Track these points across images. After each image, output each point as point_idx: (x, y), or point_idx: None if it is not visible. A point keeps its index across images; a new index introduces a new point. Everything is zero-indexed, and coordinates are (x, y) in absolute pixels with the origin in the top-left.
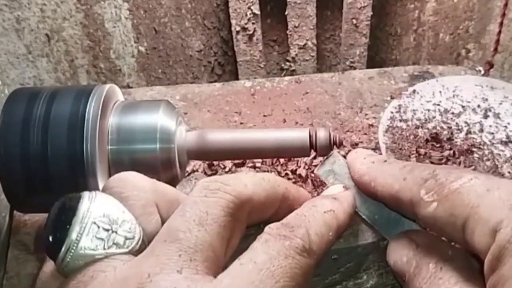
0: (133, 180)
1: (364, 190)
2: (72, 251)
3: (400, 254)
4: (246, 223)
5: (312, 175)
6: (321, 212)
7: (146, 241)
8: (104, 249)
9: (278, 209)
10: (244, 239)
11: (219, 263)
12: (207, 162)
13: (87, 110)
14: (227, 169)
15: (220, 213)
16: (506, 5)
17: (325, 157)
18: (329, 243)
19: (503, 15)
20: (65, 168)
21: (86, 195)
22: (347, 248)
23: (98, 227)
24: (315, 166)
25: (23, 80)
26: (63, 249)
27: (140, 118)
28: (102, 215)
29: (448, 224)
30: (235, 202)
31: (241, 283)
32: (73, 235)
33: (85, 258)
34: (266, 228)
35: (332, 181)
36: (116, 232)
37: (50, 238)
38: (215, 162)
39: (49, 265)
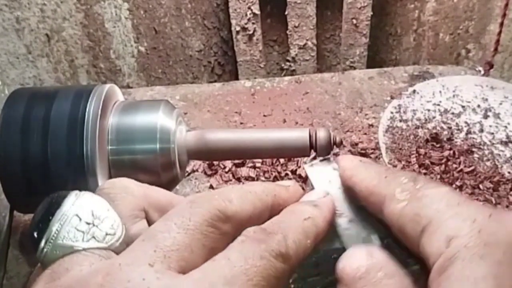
0: (124, 184)
1: (344, 183)
2: (52, 241)
3: (352, 261)
4: (236, 236)
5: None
6: (300, 219)
7: (128, 242)
8: (83, 241)
9: (270, 216)
10: None
11: (196, 267)
12: (207, 162)
13: (87, 110)
14: (227, 169)
15: (203, 222)
16: (506, 5)
17: (322, 158)
18: (307, 250)
19: (504, 15)
20: (65, 168)
21: (73, 192)
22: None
23: (80, 219)
24: None
25: (23, 80)
26: (43, 240)
27: (140, 118)
28: (86, 210)
29: (411, 223)
30: (219, 216)
31: (212, 277)
32: (54, 227)
33: (64, 249)
34: (244, 231)
35: (315, 181)
36: (97, 226)
37: (35, 234)
38: (215, 162)
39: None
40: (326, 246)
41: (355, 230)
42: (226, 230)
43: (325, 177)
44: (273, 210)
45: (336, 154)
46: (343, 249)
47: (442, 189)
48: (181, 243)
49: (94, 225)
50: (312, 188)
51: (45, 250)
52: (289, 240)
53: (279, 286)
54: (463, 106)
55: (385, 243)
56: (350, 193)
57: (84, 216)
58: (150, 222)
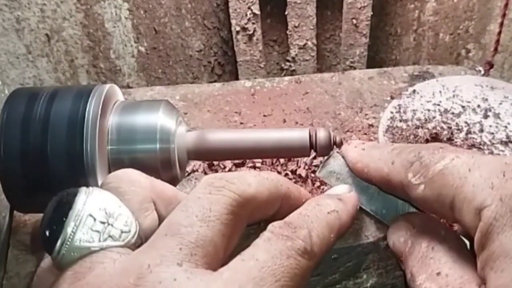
0: (130, 176)
1: (360, 177)
2: (68, 243)
3: (398, 235)
4: (247, 222)
5: (312, 175)
6: (324, 212)
7: (142, 236)
8: (100, 241)
9: (280, 208)
10: (245, 238)
11: (219, 260)
12: (207, 162)
13: (87, 110)
14: (227, 169)
15: (223, 211)
16: (506, 5)
17: (325, 158)
18: (330, 244)
19: (504, 15)
20: (65, 168)
21: (83, 190)
22: (347, 248)
23: (94, 219)
24: (315, 166)
25: (23, 80)
26: (59, 241)
27: (140, 118)
28: (99, 209)
29: (437, 204)
30: (239, 200)
31: (241, 278)
32: (69, 228)
33: (81, 251)
34: (269, 226)
35: (334, 181)
36: (112, 225)
37: (47, 233)
38: (215, 162)
39: (46, 261)
40: None
41: (387, 201)
42: (243, 215)
43: (335, 175)
44: (284, 203)
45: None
46: (344, 248)
47: (447, 158)
48: (205, 238)
49: (109, 223)
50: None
51: (62, 252)
52: (314, 235)
53: (304, 283)
54: (463, 106)
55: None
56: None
57: (98, 216)
58: (158, 213)
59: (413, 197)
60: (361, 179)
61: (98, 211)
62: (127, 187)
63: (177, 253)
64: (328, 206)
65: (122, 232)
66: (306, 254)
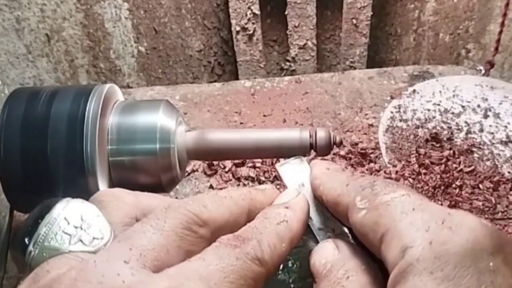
0: (115, 192)
1: (315, 193)
2: (39, 243)
3: (320, 256)
4: (213, 241)
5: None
6: (273, 224)
7: None
8: (70, 244)
9: (248, 220)
10: None
11: (173, 265)
12: (207, 162)
13: (87, 110)
14: (227, 169)
15: (178, 225)
16: (507, 5)
17: (294, 157)
18: (283, 253)
19: (504, 14)
20: (65, 168)
21: (65, 199)
22: None
23: (68, 223)
24: None
25: (23, 80)
26: (32, 242)
27: (140, 118)
28: (75, 214)
29: (371, 231)
30: (195, 219)
31: (188, 275)
32: (42, 230)
33: (50, 251)
34: (218, 238)
35: (288, 180)
36: (84, 230)
37: (25, 238)
38: (215, 162)
39: None
40: None
41: (327, 225)
42: (202, 234)
43: (298, 178)
44: (250, 214)
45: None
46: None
47: (398, 193)
48: (157, 243)
49: (82, 228)
50: (285, 188)
51: (32, 253)
52: (264, 245)
53: (257, 287)
54: (463, 106)
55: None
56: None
57: (73, 220)
58: None
59: (352, 220)
60: (315, 195)
61: (74, 216)
62: (110, 200)
63: (125, 252)
64: (277, 217)
65: (94, 238)
66: (257, 260)
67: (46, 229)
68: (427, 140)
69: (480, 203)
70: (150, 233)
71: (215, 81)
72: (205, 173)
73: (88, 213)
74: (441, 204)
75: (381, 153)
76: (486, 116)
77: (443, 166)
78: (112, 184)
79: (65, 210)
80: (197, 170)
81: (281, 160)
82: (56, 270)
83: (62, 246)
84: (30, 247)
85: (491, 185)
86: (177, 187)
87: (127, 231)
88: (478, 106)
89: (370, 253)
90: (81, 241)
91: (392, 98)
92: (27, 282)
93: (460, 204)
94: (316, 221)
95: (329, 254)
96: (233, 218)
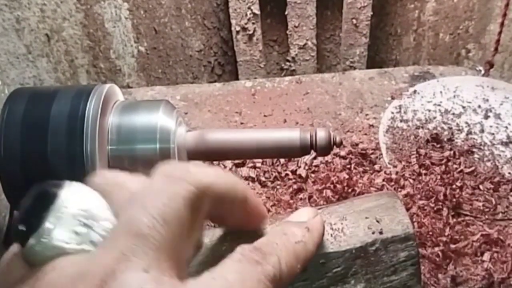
0: (118, 179)
1: None
2: (44, 240)
3: None
4: (206, 218)
5: (313, 175)
6: (292, 242)
7: None
8: (78, 244)
9: (238, 215)
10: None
11: (181, 261)
12: (207, 162)
13: (87, 109)
14: (227, 169)
15: (181, 207)
16: (507, 5)
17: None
18: (296, 274)
19: (504, 15)
20: (65, 168)
21: (67, 184)
22: (335, 253)
23: (76, 219)
24: (315, 166)
25: (23, 80)
26: (35, 236)
27: (140, 118)
28: (82, 208)
29: None
30: (196, 193)
31: None
32: (48, 224)
33: (55, 250)
34: (238, 248)
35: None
36: (93, 229)
37: (22, 225)
38: (215, 162)
39: (10, 253)
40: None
41: None
42: (200, 208)
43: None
44: (241, 207)
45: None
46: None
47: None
48: (167, 240)
49: (90, 227)
50: None
51: (36, 248)
52: (283, 263)
53: None
54: (463, 107)
55: None
56: None
57: (80, 216)
58: None
59: None
60: None
61: (81, 211)
62: (115, 188)
63: (142, 257)
64: (295, 236)
65: (102, 237)
66: (275, 282)
67: (51, 225)
68: (427, 141)
69: (481, 204)
70: (159, 227)
71: (215, 81)
72: None
73: (95, 206)
74: (442, 205)
75: (381, 154)
76: (486, 117)
77: (443, 166)
78: None
79: (71, 202)
80: None
81: (282, 160)
82: (63, 266)
83: (69, 245)
84: (33, 241)
85: (492, 186)
86: None
87: (132, 218)
88: (479, 106)
89: None
90: (90, 242)
91: (392, 98)
92: (33, 277)
93: (460, 204)
94: None
95: None
96: (228, 196)
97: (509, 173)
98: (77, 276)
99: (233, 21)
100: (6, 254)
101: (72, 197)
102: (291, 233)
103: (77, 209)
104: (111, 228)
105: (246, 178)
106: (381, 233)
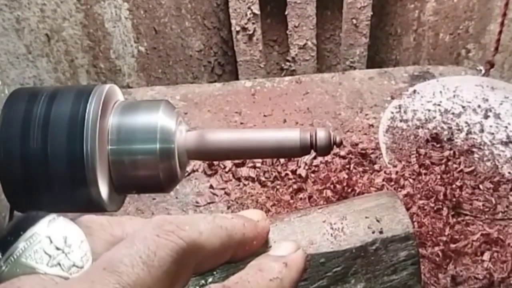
0: (103, 222)
1: None
2: (14, 257)
3: None
4: (195, 271)
5: (313, 175)
6: (266, 279)
7: None
8: (47, 266)
9: (234, 254)
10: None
11: None
12: (207, 162)
13: (87, 110)
14: (227, 169)
15: (167, 258)
16: (506, 5)
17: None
18: None
19: (504, 14)
20: (65, 168)
21: (52, 215)
22: (335, 252)
23: (51, 242)
24: (316, 166)
25: (23, 80)
26: (6, 253)
27: (140, 118)
28: (60, 235)
29: None
30: (186, 249)
31: None
32: (21, 243)
33: (24, 269)
34: None
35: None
36: (66, 255)
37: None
38: (215, 162)
39: None
40: (314, 251)
41: None
42: (188, 264)
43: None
44: (238, 249)
45: None
46: (332, 253)
47: None
48: (143, 283)
49: (63, 252)
50: None
51: (5, 265)
52: None
53: None
54: (463, 106)
55: None
56: None
57: (56, 240)
58: None
59: None
60: None
61: (58, 237)
62: (97, 229)
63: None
64: (271, 272)
65: (73, 265)
66: None
67: (25, 244)
68: (427, 141)
69: (480, 204)
70: (139, 269)
71: (215, 81)
72: (205, 173)
73: (73, 236)
74: (442, 205)
75: (381, 154)
76: (486, 117)
77: (443, 166)
78: (112, 184)
79: (49, 228)
80: (197, 170)
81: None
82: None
83: (39, 265)
84: (3, 257)
85: (491, 186)
86: (177, 187)
87: (114, 257)
88: (479, 106)
89: None
90: (59, 264)
91: (392, 98)
92: None
93: (460, 204)
94: None
95: None
96: (222, 251)
97: (509, 172)
98: None
99: (233, 21)
100: None
101: (53, 223)
102: (267, 268)
103: (54, 234)
104: (85, 258)
105: (246, 178)
106: (381, 232)
